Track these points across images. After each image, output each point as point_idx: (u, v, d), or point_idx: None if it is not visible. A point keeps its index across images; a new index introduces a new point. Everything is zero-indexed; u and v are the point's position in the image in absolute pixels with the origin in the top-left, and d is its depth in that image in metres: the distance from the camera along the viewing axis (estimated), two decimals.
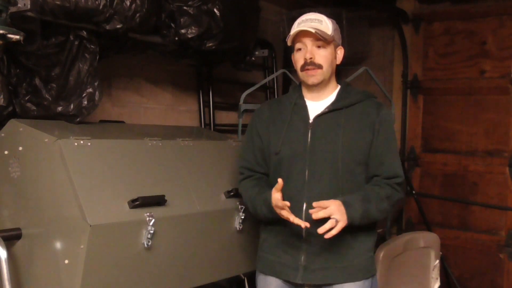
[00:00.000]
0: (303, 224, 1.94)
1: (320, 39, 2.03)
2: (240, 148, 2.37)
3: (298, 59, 2.08)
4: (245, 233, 2.45)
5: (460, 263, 3.99)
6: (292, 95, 2.19)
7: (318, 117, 2.09)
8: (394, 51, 4.30)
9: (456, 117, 4.00)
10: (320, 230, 1.91)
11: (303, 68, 2.06)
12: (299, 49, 2.07)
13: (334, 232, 1.91)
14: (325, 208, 1.92)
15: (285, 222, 2.03)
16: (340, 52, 2.13)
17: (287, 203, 1.95)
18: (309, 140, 2.07)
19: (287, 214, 1.97)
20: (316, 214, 1.91)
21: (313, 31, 2.00)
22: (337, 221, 1.91)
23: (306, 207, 2.02)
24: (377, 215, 2.05)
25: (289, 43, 2.09)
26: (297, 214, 2.00)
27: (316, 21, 2.04)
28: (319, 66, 2.05)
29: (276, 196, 1.97)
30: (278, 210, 1.99)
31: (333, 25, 2.08)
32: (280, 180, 1.96)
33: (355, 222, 1.98)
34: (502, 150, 3.81)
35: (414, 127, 4.21)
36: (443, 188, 4.08)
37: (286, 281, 2.11)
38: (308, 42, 2.04)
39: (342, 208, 1.94)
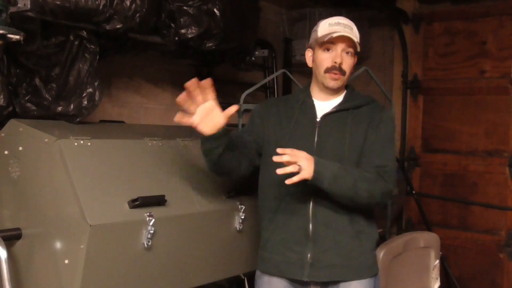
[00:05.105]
0: None
1: (353, 47, 2.03)
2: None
3: (325, 59, 2.04)
4: (245, 233, 2.44)
5: (460, 263, 3.99)
6: (298, 94, 2.19)
7: (325, 116, 2.09)
8: (394, 51, 4.30)
9: (456, 117, 4.00)
10: (279, 171, 1.87)
11: (328, 70, 2.04)
12: (328, 50, 2.04)
13: (294, 179, 1.87)
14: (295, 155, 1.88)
15: (290, 220, 2.03)
16: (355, 61, 2.12)
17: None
18: (316, 138, 2.07)
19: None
20: (280, 158, 1.87)
21: (355, 39, 2.01)
22: (300, 169, 1.87)
23: (312, 205, 2.02)
24: (351, 190, 1.94)
25: (318, 41, 2.05)
26: (304, 212, 2.01)
27: (348, 28, 2.03)
28: (344, 73, 2.04)
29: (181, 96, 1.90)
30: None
31: (359, 34, 2.08)
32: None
33: (322, 182, 1.91)
34: (502, 150, 3.82)
35: (414, 127, 4.21)
36: (443, 188, 4.08)
37: (292, 281, 2.09)
38: (339, 46, 2.03)
39: (311, 162, 1.90)
